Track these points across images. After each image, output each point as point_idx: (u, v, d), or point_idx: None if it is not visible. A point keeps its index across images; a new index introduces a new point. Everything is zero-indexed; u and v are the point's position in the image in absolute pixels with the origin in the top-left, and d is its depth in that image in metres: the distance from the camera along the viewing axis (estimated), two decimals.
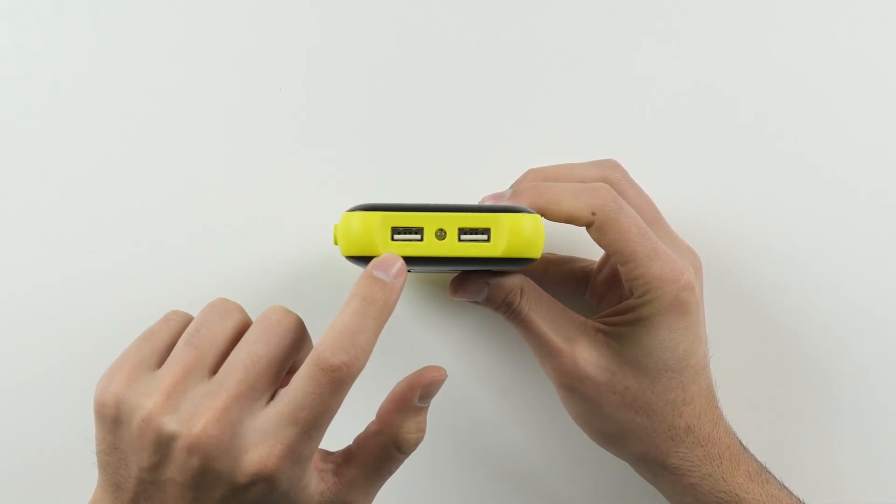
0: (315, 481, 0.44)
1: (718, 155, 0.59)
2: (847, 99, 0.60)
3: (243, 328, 0.45)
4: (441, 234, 0.46)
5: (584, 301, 0.57)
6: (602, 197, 0.49)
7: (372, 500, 0.47)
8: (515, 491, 0.59)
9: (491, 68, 0.59)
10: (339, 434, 0.46)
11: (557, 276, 0.57)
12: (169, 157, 0.58)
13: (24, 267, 0.58)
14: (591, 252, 0.56)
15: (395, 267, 0.44)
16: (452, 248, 0.46)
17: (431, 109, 0.59)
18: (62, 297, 0.58)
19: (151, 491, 0.43)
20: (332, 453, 0.47)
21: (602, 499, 0.59)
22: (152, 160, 0.58)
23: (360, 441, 0.47)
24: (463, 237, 0.46)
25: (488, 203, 0.49)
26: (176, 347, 0.44)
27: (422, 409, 0.47)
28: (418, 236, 0.46)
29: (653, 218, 0.52)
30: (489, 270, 0.49)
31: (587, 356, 0.50)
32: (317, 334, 0.43)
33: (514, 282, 0.50)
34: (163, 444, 0.42)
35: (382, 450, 0.46)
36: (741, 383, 0.58)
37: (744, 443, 0.53)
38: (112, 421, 0.43)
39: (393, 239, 0.46)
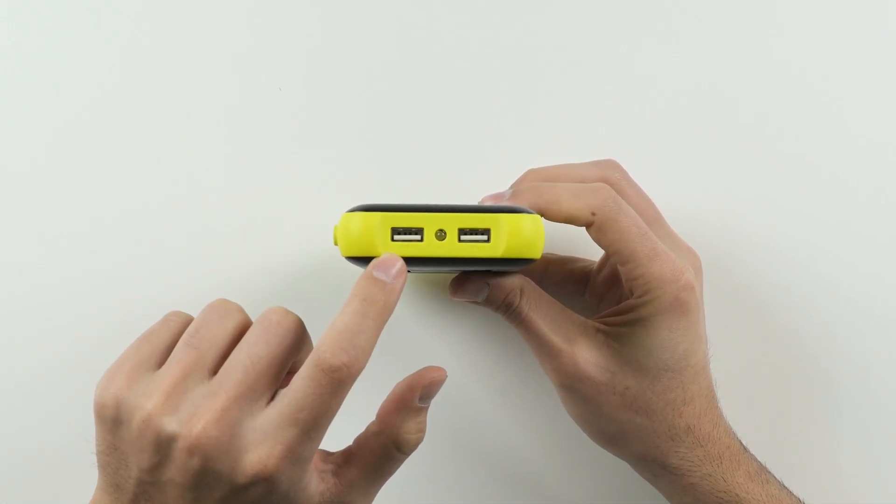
0: (315, 482, 0.44)
1: (718, 155, 0.59)
2: (847, 99, 0.59)
3: (243, 329, 0.45)
4: (441, 234, 0.46)
5: (584, 301, 0.57)
6: (602, 197, 0.49)
7: (372, 501, 0.47)
8: (515, 491, 0.59)
9: (491, 68, 0.59)
10: (340, 434, 0.46)
11: (557, 276, 0.57)
12: (169, 157, 0.58)
13: (24, 267, 0.58)
14: (591, 252, 0.56)
15: (395, 267, 0.44)
16: (452, 248, 0.46)
17: (431, 109, 0.59)
18: (62, 297, 0.58)
19: (151, 492, 0.43)
20: (332, 454, 0.47)
21: (602, 499, 0.59)
22: (152, 160, 0.58)
23: (361, 441, 0.47)
24: (463, 237, 0.46)
25: (488, 203, 0.49)
26: (176, 348, 0.44)
27: (422, 410, 0.47)
28: (418, 237, 0.46)
29: (653, 218, 0.52)
30: (489, 271, 0.49)
31: (587, 356, 0.50)
32: (317, 335, 0.43)
33: (514, 282, 0.50)
34: (163, 445, 0.42)
35: (382, 450, 0.46)
36: (741, 383, 0.58)
37: (744, 443, 0.53)
38: (112, 421, 0.43)
39: (393, 239, 0.46)
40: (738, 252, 0.59)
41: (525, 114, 0.59)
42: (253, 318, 0.46)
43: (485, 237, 0.46)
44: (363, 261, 0.45)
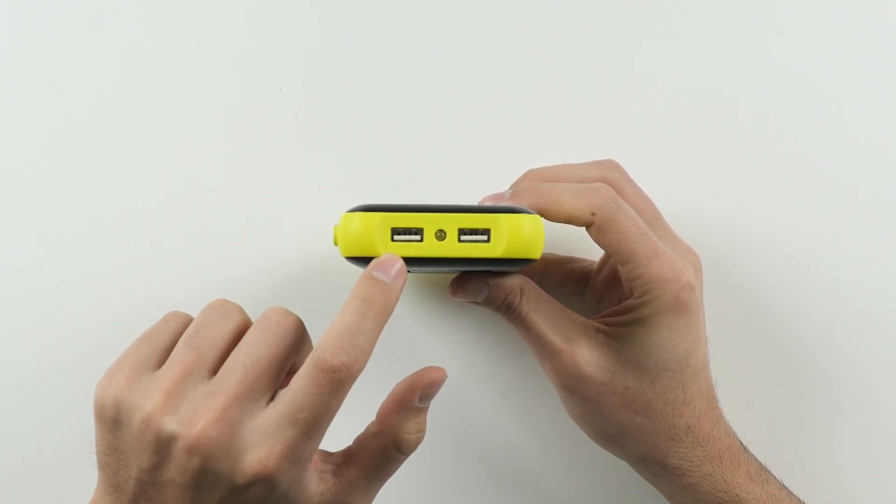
0: (315, 482, 0.44)
1: (718, 155, 0.59)
2: (847, 99, 0.59)
3: (243, 329, 0.45)
4: (441, 234, 0.46)
5: (584, 301, 0.57)
6: (602, 197, 0.49)
7: (372, 501, 0.47)
8: (515, 492, 0.59)
9: (491, 68, 0.59)
10: (339, 435, 0.46)
11: (557, 277, 0.57)
12: (169, 157, 0.58)
13: (24, 267, 0.58)
14: (591, 252, 0.56)
15: (394, 268, 0.44)
16: (452, 248, 0.46)
17: (431, 109, 0.59)
18: (62, 297, 0.58)
19: (151, 492, 0.43)
20: (331, 454, 0.47)
21: (602, 499, 0.59)
22: (152, 160, 0.58)
23: (360, 442, 0.47)
24: (463, 238, 0.46)
25: (488, 203, 0.49)
26: (176, 348, 0.44)
27: (422, 410, 0.47)
28: (418, 237, 0.46)
29: (653, 218, 0.52)
30: (489, 271, 0.49)
31: (587, 356, 0.50)
32: (317, 335, 0.43)
33: (514, 282, 0.50)
34: (162, 445, 0.42)
35: (382, 450, 0.46)
36: (741, 383, 0.58)
37: (744, 443, 0.53)
38: (112, 422, 0.43)
39: (393, 239, 0.46)
40: (738, 252, 0.59)
41: (525, 114, 0.59)
42: (253, 318, 0.46)
43: (485, 237, 0.46)
44: (363, 261, 0.45)
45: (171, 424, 0.41)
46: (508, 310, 0.50)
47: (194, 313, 0.46)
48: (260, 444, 0.42)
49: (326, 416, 0.42)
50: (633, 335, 0.50)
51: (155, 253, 0.58)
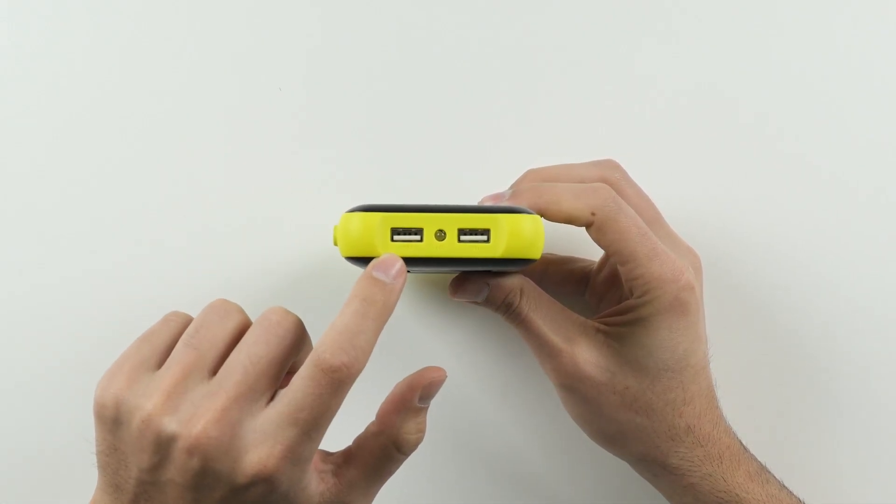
0: (315, 482, 0.44)
1: (718, 155, 0.59)
2: (847, 99, 0.59)
3: (243, 329, 0.45)
4: (441, 234, 0.46)
5: (583, 301, 0.57)
6: (601, 197, 0.49)
7: (372, 501, 0.47)
8: (515, 492, 0.59)
9: (491, 68, 0.59)
10: (340, 435, 0.46)
11: (557, 277, 0.57)
12: (169, 157, 0.58)
13: (24, 267, 0.58)
14: (591, 252, 0.56)
15: (394, 268, 0.44)
16: (452, 248, 0.46)
17: (431, 109, 0.59)
18: (62, 297, 0.58)
19: (151, 492, 0.43)
20: (331, 454, 0.47)
21: (602, 499, 0.59)
22: (152, 160, 0.58)
23: (360, 442, 0.47)
24: (463, 238, 0.46)
25: (488, 203, 0.49)
26: (176, 348, 0.44)
27: (422, 410, 0.47)
28: (418, 237, 0.46)
29: (653, 218, 0.52)
30: (489, 271, 0.49)
31: (587, 356, 0.50)
32: (317, 335, 0.43)
33: (514, 282, 0.50)
34: (163, 445, 0.42)
35: (382, 450, 0.46)
36: (741, 383, 0.58)
37: (744, 443, 0.53)
38: (112, 422, 0.43)
39: (393, 240, 0.46)
40: (738, 252, 0.59)
41: (525, 114, 0.59)
42: (253, 318, 0.46)
43: (485, 237, 0.46)
44: (363, 261, 0.45)
45: (171, 424, 0.41)
46: (508, 310, 0.50)
47: (194, 313, 0.46)
48: (260, 444, 0.42)
49: (326, 416, 0.42)
50: (633, 335, 0.50)
51: (155, 253, 0.58)
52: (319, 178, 0.59)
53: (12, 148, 0.58)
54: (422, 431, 0.47)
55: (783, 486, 0.52)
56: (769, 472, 0.52)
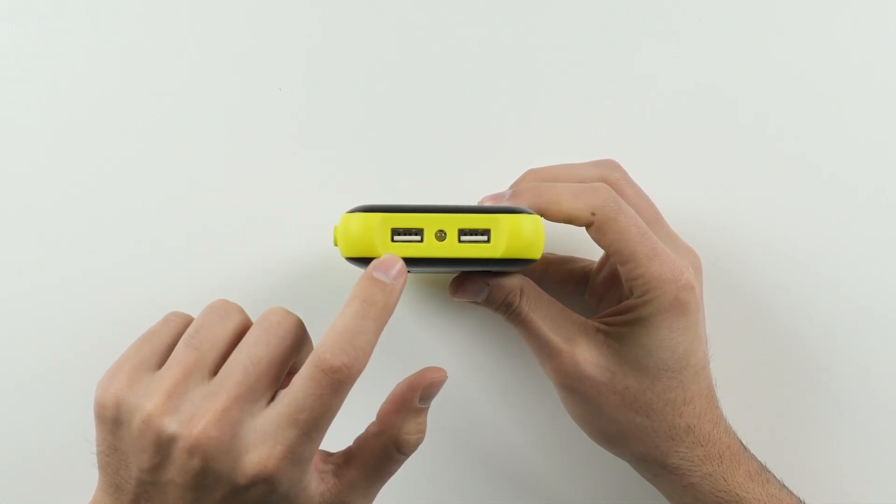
0: (315, 482, 0.44)
1: (718, 155, 0.59)
2: (847, 99, 0.59)
3: (243, 329, 0.45)
4: (441, 234, 0.46)
5: (583, 301, 0.57)
6: (601, 197, 0.49)
7: (372, 501, 0.47)
8: (515, 492, 0.59)
9: (491, 68, 0.59)
10: (340, 435, 0.46)
11: (557, 276, 0.57)
12: (169, 157, 0.58)
13: (24, 267, 0.58)
14: (591, 252, 0.56)
15: (395, 268, 0.44)
16: (452, 249, 0.46)
17: (431, 109, 0.59)
18: (62, 297, 0.58)
19: (152, 492, 0.43)
20: (332, 454, 0.47)
21: (602, 499, 0.59)
22: (152, 160, 0.58)
23: (361, 442, 0.47)
24: (463, 238, 0.46)
25: (488, 204, 0.49)
26: (176, 348, 0.44)
27: (422, 411, 0.47)
28: (418, 237, 0.46)
29: (653, 218, 0.52)
30: (489, 271, 0.49)
31: (587, 356, 0.50)
32: (317, 335, 0.43)
33: (514, 282, 0.50)
34: (163, 446, 0.42)
35: (383, 451, 0.46)
36: (741, 383, 0.58)
37: (744, 443, 0.53)
38: (112, 422, 0.43)
39: (393, 240, 0.46)
40: (738, 252, 0.59)
41: (525, 114, 0.59)
42: (253, 319, 0.46)
43: (485, 237, 0.46)
44: (363, 261, 0.45)
45: (171, 425, 0.41)
46: (508, 310, 0.50)
47: (194, 313, 0.46)
48: (260, 444, 0.42)
49: (327, 416, 0.42)
50: (633, 335, 0.50)
51: (155, 253, 0.58)
52: (319, 178, 0.59)
53: (12, 148, 0.58)
54: (422, 432, 0.47)
55: (783, 486, 0.52)
56: (769, 472, 0.52)
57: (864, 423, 0.59)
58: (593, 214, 0.48)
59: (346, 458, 0.46)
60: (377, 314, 0.43)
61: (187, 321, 0.46)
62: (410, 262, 0.45)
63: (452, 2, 0.59)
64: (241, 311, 0.46)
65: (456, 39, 0.59)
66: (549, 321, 0.51)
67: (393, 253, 0.45)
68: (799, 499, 0.52)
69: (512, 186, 0.51)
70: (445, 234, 0.46)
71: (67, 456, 0.57)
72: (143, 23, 0.59)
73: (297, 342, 0.44)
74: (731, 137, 0.59)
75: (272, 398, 0.43)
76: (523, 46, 0.59)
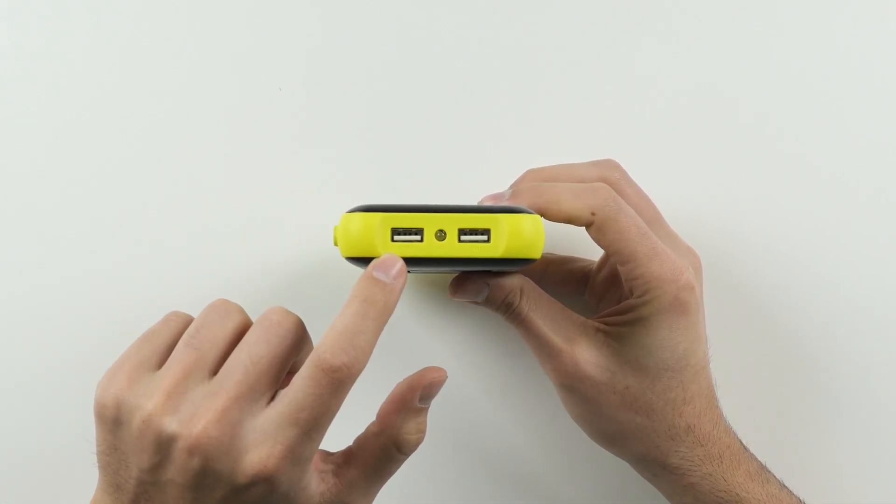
0: (315, 482, 0.44)
1: (718, 155, 0.59)
2: (847, 99, 0.59)
3: (244, 329, 0.45)
4: (441, 234, 0.46)
5: (583, 301, 0.57)
6: (601, 197, 0.49)
7: (372, 501, 0.47)
8: (515, 492, 0.59)
9: (491, 68, 0.59)
10: (340, 434, 0.46)
11: (557, 276, 0.57)
12: (169, 157, 0.58)
13: (24, 267, 0.58)
14: (591, 252, 0.56)
15: (395, 268, 0.44)
16: (452, 248, 0.46)
17: (431, 109, 0.59)
18: (62, 297, 0.58)
19: (152, 492, 0.43)
20: (332, 454, 0.47)
21: (602, 499, 0.59)
22: (152, 160, 0.58)
23: (361, 442, 0.47)
24: (463, 238, 0.46)
25: (488, 203, 0.49)
26: (176, 348, 0.44)
27: (422, 410, 0.47)
28: (418, 237, 0.46)
29: (652, 218, 0.52)
30: (489, 271, 0.49)
31: (587, 356, 0.50)
32: (317, 335, 0.43)
33: (514, 282, 0.50)
34: (163, 445, 0.42)
35: (383, 451, 0.46)
36: (741, 383, 0.58)
37: (744, 443, 0.53)
38: (112, 422, 0.43)
39: (393, 240, 0.46)
40: (738, 252, 0.59)
41: (525, 114, 0.59)
42: (253, 319, 0.46)
43: (485, 237, 0.46)
44: (363, 261, 0.45)
45: (171, 424, 0.41)
46: (508, 310, 0.50)
47: (194, 313, 0.46)
48: (260, 444, 0.42)
49: (327, 416, 0.42)
50: (633, 335, 0.50)
51: (155, 253, 0.58)
52: (319, 178, 0.59)
53: (12, 148, 0.58)
54: (422, 432, 0.47)
55: (783, 486, 0.52)
56: (769, 472, 0.52)
57: (864, 423, 0.59)
58: (593, 214, 0.48)
59: (346, 458, 0.46)
60: (377, 314, 0.43)
61: (187, 321, 0.46)
62: (410, 261, 0.45)
63: (452, 2, 0.59)
64: (242, 310, 0.46)
65: (456, 39, 0.59)
66: (549, 321, 0.51)
67: (393, 253, 0.45)
68: (799, 499, 0.52)
69: (512, 186, 0.51)
70: (445, 233, 0.46)
71: (67, 456, 0.57)
72: (143, 23, 0.59)
73: (298, 342, 0.44)
74: (731, 137, 0.59)
75: (272, 398, 0.43)
76: (523, 46, 0.59)
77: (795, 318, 0.59)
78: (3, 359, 0.58)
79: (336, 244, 0.47)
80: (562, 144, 0.59)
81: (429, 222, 0.46)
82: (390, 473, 0.47)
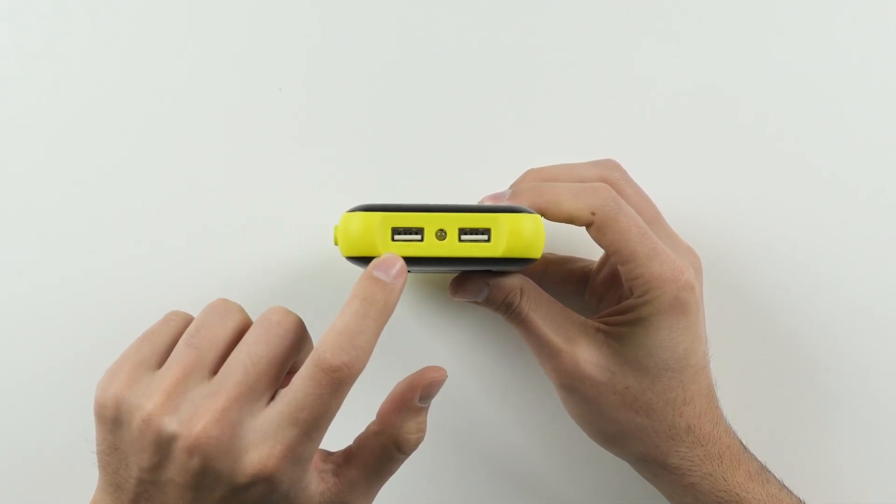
0: (315, 482, 0.44)
1: (718, 155, 0.59)
2: (847, 99, 0.60)
3: (244, 329, 0.45)
4: (441, 234, 0.46)
5: (583, 301, 0.57)
6: (601, 197, 0.49)
7: (372, 501, 0.47)
8: (515, 491, 0.59)
9: (491, 68, 0.59)
10: (340, 434, 0.46)
11: (557, 276, 0.57)
12: (169, 157, 0.58)
13: (24, 267, 0.58)
14: (591, 252, 0.56)
15: (395, 267, 0.44)
16: (453, 248, 0.46)
17: (431, 109, 0.59)
18: (62, 297, 0.58)
19: (152, 491, 0.43)
20: (332, 454, 0.47)
21: (602, 499, 0.59)
22: (152, 160, 0.58)
23: (361, 441, 0.47)
24: (463, 237, 0.46)
25: (488, 203, 0.49)
26: (176, 348, 0.44)
27: (422, 410, 0.47)
28: (418, 237, 0.46)
29: (653, 218, 0.52)
30: (489, 271, 0.49)
31: (587, 356, 0.50)
32: (317, 335, 0.43)
33: (514, 282, 0.50)
34: (163, 445, 0.42)
35: (383, 450, 0.46)
36: (741, 383, 0.58)
37: (744, 443, 0.53)
38: (112, 421, 0.43)
39: (393, 239, 0.46)
40: (738, 252, 0.59)
41: (525, 114, 0.59)
42: (253, 318, 0.46)
43: (485, 237, 0.46)
44: (363, 261, 0.45)
45: (171, 424, 0.41)
46: (508, 310, 0.50)
47: (194, 313, 0.46)
48: (260, 443, 0.42)
49: (327, 415, 0.42)
50: (633, 335, 0.50)
51: (155, 253, 0.58)
52: (319, 178, 0.59)
53: (12, 148, 0.58)
54: (422, 431, 0.47)
55: (783, 486, 0.52)
56: (769, 472, 0.52)
57: (864, 423, 0.59)
58: (593, 214, 0.48)
59: (346, 458, 0.46)
60: (377, 313, 0.43)
61: (187, 321, 0.46)
62: (410, 261, 0.45)
63: (452, 2, 0.59)
64: (241, 310, 0.46)
65: (456, 39, 0.59)
66: (549, 321, 0.51)
67: (393, 252, 0.45)
68: (799, 499, 0.52)
69: (512, 186, 0.52)
70: (445, 233, 0.46)
71: (67, 456, 0.57)
72: (143, 23, 0.59)
73: (298, 342, 0.44)
74: (731, 137, 0.59)
75: (272, 398, 0.43)
76: (523, 46, 0.59)
77: (795, 318, 0.59)
78: (3, 359, 0.58)
79: (336, 244, 0.47)
80: (562, 144, 0.59)
81: (429, 222, 0.46)
82: (390, 473, 0.47)
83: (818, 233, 0.59)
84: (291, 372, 0.44)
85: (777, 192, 0.59)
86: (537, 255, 0.46)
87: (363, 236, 0.45)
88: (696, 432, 0.51)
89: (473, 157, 0.59)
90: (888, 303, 0.59)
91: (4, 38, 0.58)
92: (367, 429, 0.47)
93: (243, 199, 0.58)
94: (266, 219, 0.58)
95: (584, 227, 0.49)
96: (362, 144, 0.59)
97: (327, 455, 0.47)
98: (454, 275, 0.51)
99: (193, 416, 0.42)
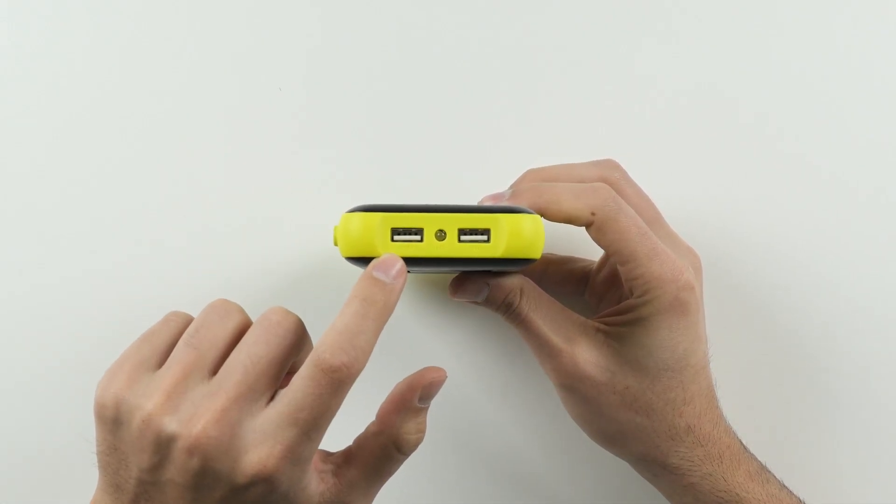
0: (315, 482, 0.44)
1: (718, 155, 0.59)
2: (847, 99, 0.59)
3: (243, 329, 0.45)
4: (441, 234, 0.46)
5: (583, 301, 0.57)
6: (601, 197, 0.49)
7: (372, 501, 0.47)
8: (515, 492, 0.59)
9: (491, 68, 0.59)
10: (340, 434, 0.46)
11: (557, 276, 0.57)
12: (169, 157, 0.58)
13: (24, 267, 0.58)
14: (591, 252, 0.56)
15: (395, 268, 0.44)
16: (452, 248, 0.46)
17: (431, 109, 0.59)
18: (62, 297, 0.58)
19: (151, 492, 0.43)
20: (332, 454, 0.47)
21: (602, 499, 0.59)
22: (152, 160, 0.58)
23: (360, 442, 0.47)
24: (463, 238, 0.46)
25: (488, 203, 0.49)
26: (176, 348, 0.44)
27: (422, 410, 0.47)
28: (418, 237, 0.46)
29: (652, 218, 0.52)
30: (489, 271, 0.49)
31: (587, 356, 0.50)
32: (317, 335, 0.43)
33: (514, 282, 0.50)
34: (163, 445, 0.42)
35: (382, 450, 0.46)
36: (741, 383, 0.58)
37: (744, 443, 0.53)
38: (112, 422, 0.43)
39: (393, 240, 0.46)
40: (738, 252, 0.59)
41: (525, 114, 0.59)
42: (253, 318, 0.46)
43: (485, 237, 0.46)
44: (363, 261, 0.45)
45: (171, 424, 0.41)
46: (508, 310, 0.50)
47: (194, 313, 0.46)
48: (260, 444, 0.42)
49: (326, 416, 0.42)
50: (633, 335, 0.50)
51: (155, 253, 0.58)
52: (319, 178, 0.59)
53: (12, 148, 0.58)
54: (422, 431, 0.47)
55: (783, 486, 0.52)
56: (769, 472, 0.52)
57: (864, 423, 0.59)
58: (593, 214, 0.48)
59: (346, 458, 0.46)
60: (377, 314, 0.43)
61: (187, 321, 0.46)
62: (410, 261, 0.45)
63: (452, 2, 0.59)
64: (241, 310, 0.46)
65: (456, 39, 0.59)
66: (549, 321, 0.51)
67: (393, 252, 0.45)
68: (799, 499, 0.52)
69: (512, 186, 0.51)
70: (445, 233, 0.46)
71: (67, 456, 0.57)
72: (143, 23, 0.59)
73: (297, 342, 0.44)
74: (731, 137, 0.59)
75: (272, 398, 0.43)
76: (523, 46, 0.59)
77: (795, 318, 0.59)
78: (3, 359, 0.58)
79: (336, 244, 0.47)
80: (562, 144, 0.59)
81: (429, 222, 0.46)
82: (390, 473, 0.47)
83: (818, 233, 0.59)
84: (291, 372, 0.44)
85: (777, 192, 0.59)
86: (537, 255, 0.46)
87: (363, 237, 0.45)
88: (696, 432, 0.51)
89: (473, 157, 0.59)
90: (888, 303, 0.59)
91: (4, 38, 0.58)
92: (367, 429, 0.47)
93: (243, 199, 0.58)
94: (266, 219, 0.58)
95: (584, 228, 0.49)
96: (362, 144, 0.59)
97: (327, 455, 0.47)
98: (454, 275, 0.51)
99: (193, 417, 0.42)
